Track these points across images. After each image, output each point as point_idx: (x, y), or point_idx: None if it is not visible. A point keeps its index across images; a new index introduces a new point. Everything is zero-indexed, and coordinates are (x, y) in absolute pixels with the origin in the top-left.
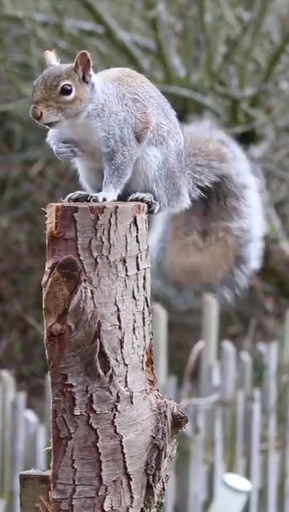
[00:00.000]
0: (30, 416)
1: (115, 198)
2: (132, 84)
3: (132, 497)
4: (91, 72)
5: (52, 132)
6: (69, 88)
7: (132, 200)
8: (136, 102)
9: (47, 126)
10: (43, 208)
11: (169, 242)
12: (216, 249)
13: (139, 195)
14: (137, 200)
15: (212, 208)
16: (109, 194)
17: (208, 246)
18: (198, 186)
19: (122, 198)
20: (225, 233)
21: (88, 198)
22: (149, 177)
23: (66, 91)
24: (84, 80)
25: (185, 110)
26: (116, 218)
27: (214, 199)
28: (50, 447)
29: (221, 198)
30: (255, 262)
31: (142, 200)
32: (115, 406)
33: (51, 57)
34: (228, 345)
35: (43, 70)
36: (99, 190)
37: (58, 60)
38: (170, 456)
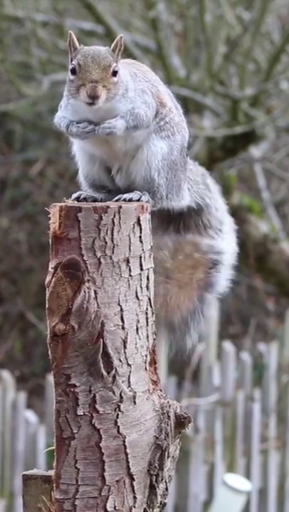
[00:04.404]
0: (30, 416)
1: (124, 125)
2: (141, 69)
3: (134, 497)
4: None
5: (62, 113)
6: (117, 70)
7: (117, 201)
8: (147, 81)
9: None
10: (46, 208)
11: None
12: (182, 274)
13: (126, 196)
14: (124, 201)
15: (187, 223)
16: (118, 122)
17: (176, 266)
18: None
19: (112, 196)
20: (194, 249)
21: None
22: (152, 166)
23: (115, 73)
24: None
25: (185, 110)
26: (119, 218)
27: (192, 225)
28: (53, 447)
29: (200, 226)
30: (221, 287)
31: (129, 200)
32: (118, 406)
33: (75, 40)
34: (228, 345)
35: (83, 50)
36: (100, 186)
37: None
38: (173, 457)
